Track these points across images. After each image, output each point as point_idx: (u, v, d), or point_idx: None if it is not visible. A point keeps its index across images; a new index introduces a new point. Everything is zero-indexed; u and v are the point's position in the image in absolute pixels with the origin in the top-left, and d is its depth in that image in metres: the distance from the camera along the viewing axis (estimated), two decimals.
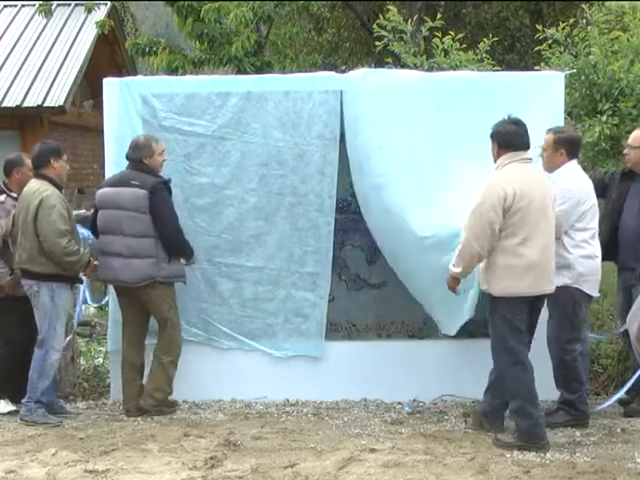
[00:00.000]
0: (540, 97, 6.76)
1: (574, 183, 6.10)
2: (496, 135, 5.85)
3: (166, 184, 6.58)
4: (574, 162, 6.20)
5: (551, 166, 6.20)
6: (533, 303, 5.81)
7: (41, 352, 6.48)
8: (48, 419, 6.47)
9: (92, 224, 6.78)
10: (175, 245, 6.58)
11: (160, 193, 6.51)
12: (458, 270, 5.78)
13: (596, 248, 6.15)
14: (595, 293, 6.23)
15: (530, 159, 5.87)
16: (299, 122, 6.84)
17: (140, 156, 6.59)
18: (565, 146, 6.14)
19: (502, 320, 5.72)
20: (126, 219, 6.50)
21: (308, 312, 6.91)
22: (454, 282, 5.88)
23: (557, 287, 5.98)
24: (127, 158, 6.66)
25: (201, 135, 6.87)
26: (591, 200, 6.12)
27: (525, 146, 5.81)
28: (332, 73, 7.32)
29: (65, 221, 6.43)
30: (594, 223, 6.14)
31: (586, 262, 6.08)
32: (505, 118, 5.87)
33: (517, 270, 5.65)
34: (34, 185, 6.51)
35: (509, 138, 5.79)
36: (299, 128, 6.84)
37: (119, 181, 6.61)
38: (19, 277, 6.58)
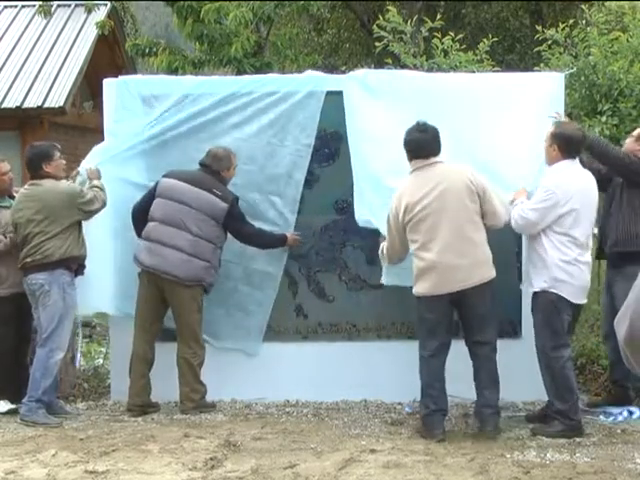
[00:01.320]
0: (540, 98, 6.75)
1: (557, 183, 5.96)
2: (404, 143, 6.04)
3: (238, 199, 6.76)
4: (568, 162, 6.02)
5: (547, 160, 6.14)
6: (455, 301, 5.95)
7: (44, 351, 6.49)
8: (48, 419, 6.47)
9: (139, 207, 6.80)
10: (266, 245, 6.89)
11: (238, 209, 6.73)
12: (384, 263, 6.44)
13: (580, 254, 5.98)
14: (578, 300, 6.06)
15: (435, 162, 5.96)
16: (276, 122, 6.92)
17: (219, 167, 6.72)
18: (558, 142, 6.02)
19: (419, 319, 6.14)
20: (198, 219, 6.62)
21: (252, 309, 6.99)
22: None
23: (535, 292, 6.04)
24: (202, 165, 6.75)
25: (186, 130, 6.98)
26: (571, 205, 5.91)
27: (426, 154, 5.94)
28: (318, 73, 7.32)
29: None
30: (579, 230, 5.95)
31: (566, 267, 5.93)
32: (414, 125, 6.02)
33: (420, 272, 5.94)
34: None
35: (412, 147, 5.98)
36: (274, 128, 6.91)
37: (199, 183, 6.69)
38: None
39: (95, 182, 6.69)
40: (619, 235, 6.34)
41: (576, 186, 5.99)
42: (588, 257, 6.08)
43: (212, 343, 6.98)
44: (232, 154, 6.79)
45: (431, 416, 6.01)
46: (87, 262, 6.72)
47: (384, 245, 6.32)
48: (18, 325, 6.70)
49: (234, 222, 6.71)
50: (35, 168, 6.65)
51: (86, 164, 6.88)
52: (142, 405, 6.72)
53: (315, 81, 7.04)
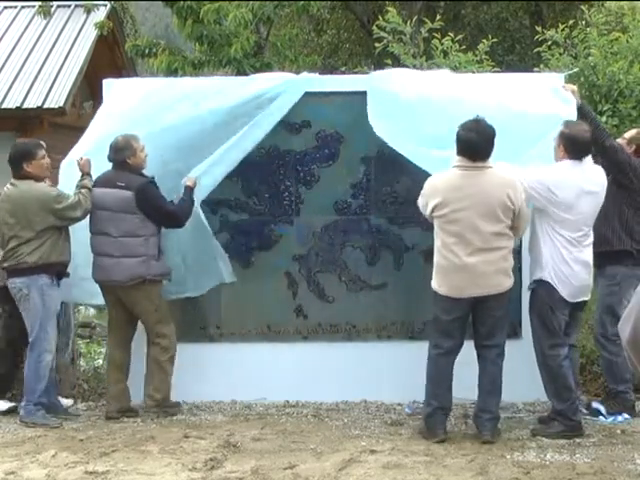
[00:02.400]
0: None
1: (556, 182, 5.93)
2: (457, 136, 5.90)
3: (152, 182, 6.59)
4: (572, 162, 5.99)
5: (555, 158, 6.13)
6: (473, 304, 5.91)
7: (34, 354, 6.47)
8: (48, 421, 6.47)
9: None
10: (181, 222, 6.63)
11: (147, 192, 6.53)
12: None
13: (578, 256, 5.98)
14: (571, 299, 6.03)
15: (482, 167, 5.83)
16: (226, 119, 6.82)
17: (123, 157, 6.57)
18: (564, 142, 6.02)
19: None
20: (114, 219, 6.51)
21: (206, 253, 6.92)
22: None
23: (532, 290, 6.09)
24: (110, 160, 6.61)
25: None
26: (566, 204, 5.91)
27: (475, 156, 5.81)
28: (288, 75, 7.27)
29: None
30: (574, 229, 5.96)
31: (561, 266, 5.95)
32: (472, 121, 5.86)
33: (443, 271, 5.89)
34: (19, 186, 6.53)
35: (463, 145, 5.86)
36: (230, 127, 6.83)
37: (106, 182, 6.59)
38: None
39: (85, 181, 6.58)
40: (595, 236, 6.34)
41: (569, 189, 5.95)
42: (584, 256, 6.04)
43: (194, 293, 6.95)
44: (132, 139, 6.59)
45: (433, 415, 5.98)
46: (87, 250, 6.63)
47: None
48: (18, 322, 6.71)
49: (146, 206, 6.51)
50: (16, 168, 6.53)
51: (76, 155, 6.73)
52: (120, 411, 6.64)
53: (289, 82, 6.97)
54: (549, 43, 8.62)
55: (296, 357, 7.01)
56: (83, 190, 6.52)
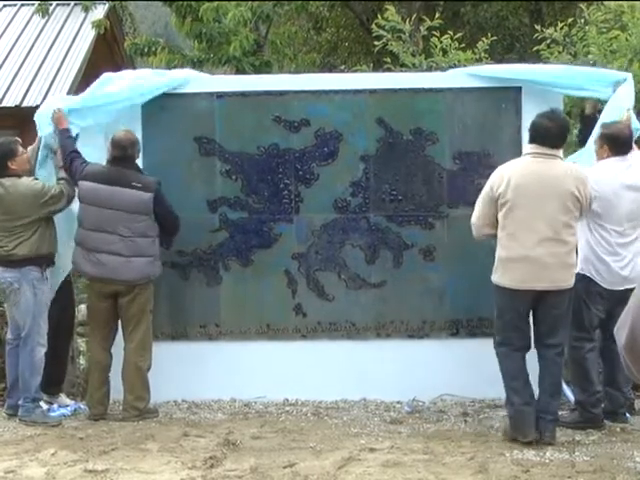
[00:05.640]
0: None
1: (597, 180, 5.98)
2: (530, 125, 5.91)
3: (160, 183, 6.62)
4: (612, 160, 6.08)
5: (598, 159, 6.21)
6: (536, 299, 5.77)
7: (27, 349, 6.47)
8: (47, 418, 6.47)
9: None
10: (177, 230, 6.76)
11: (162, 193, 6.59)
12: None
13: (617, 250, 6.01)
14: (610, 287, 6.01)
15: (553, 155, 5.78)
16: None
17: (133, 154, 6.57)
18: (607, 142, 6.12)
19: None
20: (127, 220, 6.47)
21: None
22: None
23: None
24: (115, 158, 6.54)
25: None
26: (608, 198, 5.98)
27: (547, 143, 5.75)
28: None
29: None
30: (614, 225, 6.01)
31: (599, 260, 6.01)
32: (547, 111, 5.90)
33: (506, 262, 5.76)
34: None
35: (536, 131, 5.82)
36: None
37: (116, 181, 6.50)
38: None
39: (62, 174, 6.60)
40: None
41: (610, 183, 6.01)
42: (625, 251, 6.05)
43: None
44: (133, 135, 6.64)
45: (520, 413, 5.75)
46: None
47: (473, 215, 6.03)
48: (59, 314, 6.74)
49: (161, 208, 6.55)
50: (1, 167, 6.55)
51: (50, 108, 6.80)
52: (104, 413, 6.61)
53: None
54: (548, 41, 8.61)
55: (295, 355, 7.01)
56: (62, 181, 6.57)
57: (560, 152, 5.86)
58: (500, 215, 5.77)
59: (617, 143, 6.13)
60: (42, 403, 6.72)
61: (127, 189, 6.49)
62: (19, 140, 6.75)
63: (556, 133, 5.78)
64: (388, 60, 9.40)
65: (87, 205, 6.56)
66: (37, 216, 6.49)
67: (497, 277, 5.83)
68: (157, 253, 6.61)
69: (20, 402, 6.50)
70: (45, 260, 6.55)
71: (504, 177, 5.75)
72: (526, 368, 5.86)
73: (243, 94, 7.12)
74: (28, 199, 6.46)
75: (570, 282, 5.78)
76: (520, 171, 5.78)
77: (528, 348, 5.88)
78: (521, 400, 5.77)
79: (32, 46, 15.33)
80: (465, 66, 8.57)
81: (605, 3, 9.23)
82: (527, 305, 5.82)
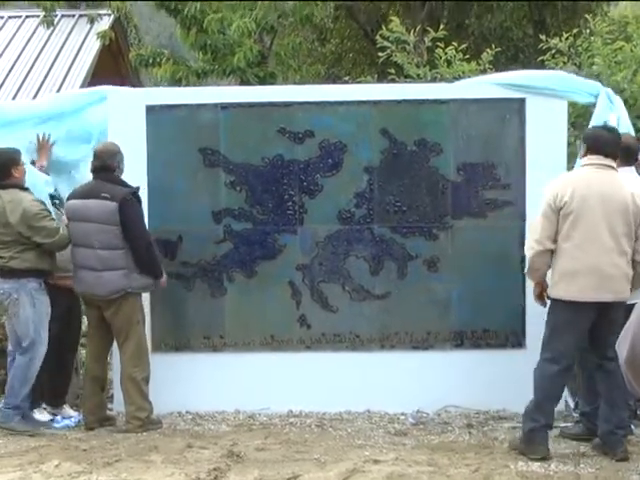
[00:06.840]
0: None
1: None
2: (585, 137, 5.93)
3: (135, 194, 6.54)
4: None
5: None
6: (597, 312, 5.66)
7: (25, 359, 6.47)
8: (25, 427, 6.47)
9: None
10: (145, 258, 6.50)
11: (130, 205, 6.46)
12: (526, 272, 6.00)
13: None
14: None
15: (611, 165, 5.76)
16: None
17: (110, 165, 6.53)
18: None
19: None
20: (98, 231, 6.43)
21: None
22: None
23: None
24: (95, 169, 6.55)
25: None
26: None
27: (605, 152, 5.73)
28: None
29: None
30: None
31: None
32: (602, 124, 6.04)
33: (570, 273, 5.63)
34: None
35: (594, 141, 5.80)
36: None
37: (88, 193, 6.51)
38: None
39: (64, 217, 6.62)
40: None
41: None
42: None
43: None
44: (115, 146, 6.61)
45: (538, 431, 5.69)
46: None
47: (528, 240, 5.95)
48: (65, 326, 6.75)
49: (126, 218, 6.38)
50: (4, 174, 6.55)
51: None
52: (98, 421, 6.62)
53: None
54: (553, 52, 8.62)
55: (300, 367, 6.99)
56: (65, 224, 6.57)
57: (615, 163, 5.83)
58: (564, 226, 5.65)
59: (628, 153, 6.17)
60: (46, 414, 6.73)
61: (96, 200, 6.45)
62: (20, 150, 6.75)
63: (613, 142, 5.79)
64: (392, 71, 9.42)
65: (70, 221, 6.58)
66: (20, 231, 6.43)
67: (561, 290, 5.68)
68: (131, 265, 6.47)
69: (0, 406, 6.49)
70: (44, 274, 6.57)
71: (567, 187, 5.67)
72: (563, 391, 5.83)
73: (248, 105, 7.13)
74: (20, 216, 6.42)
75: (628, 294, 5.70)
76: (583, 182, 5.71)
77: (573, 369, 5.84)
78: (545, 422, 5.72)
79: (37, 57, 15.37)
80: (470, 77, 8.60)
81: (610, 14, 9.25)
82: (589, 319, 5.68)
